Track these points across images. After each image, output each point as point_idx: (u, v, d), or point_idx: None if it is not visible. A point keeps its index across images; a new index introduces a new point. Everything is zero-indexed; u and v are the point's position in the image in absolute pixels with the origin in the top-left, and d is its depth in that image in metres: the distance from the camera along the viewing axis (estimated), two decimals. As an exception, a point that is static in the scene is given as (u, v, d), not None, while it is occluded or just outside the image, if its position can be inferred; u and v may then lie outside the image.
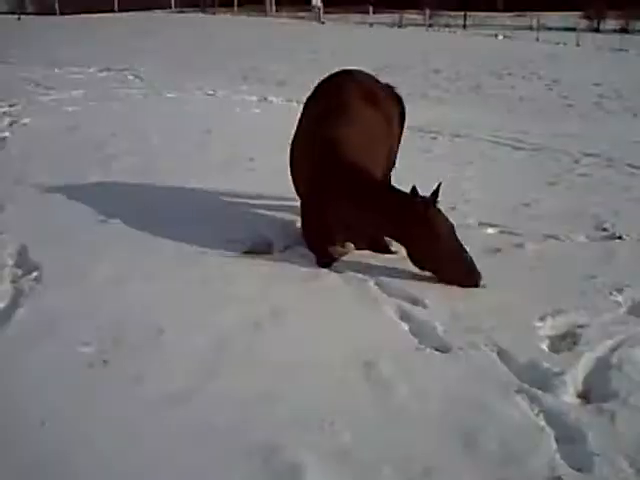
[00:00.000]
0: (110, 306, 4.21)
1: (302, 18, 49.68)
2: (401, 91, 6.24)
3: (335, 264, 4.93)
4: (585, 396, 3.43)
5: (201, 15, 53.09)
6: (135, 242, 5.30)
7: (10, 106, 12.29)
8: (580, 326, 4.05)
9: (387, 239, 5.16)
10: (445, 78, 20.04)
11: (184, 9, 58.85)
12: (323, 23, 45.87)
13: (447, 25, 50.02)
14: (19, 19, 48.87)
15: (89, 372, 3.50)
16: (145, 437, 3.00)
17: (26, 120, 10.87)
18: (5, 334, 3.88)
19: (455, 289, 4.54)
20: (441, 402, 3.28)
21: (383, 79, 6.26)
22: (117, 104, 12.72)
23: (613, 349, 3.76)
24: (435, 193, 4.68)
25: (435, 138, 10.26)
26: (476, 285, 4.56)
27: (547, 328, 4.05)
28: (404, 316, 4.14)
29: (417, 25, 48.18)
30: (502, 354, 3.71)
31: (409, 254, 4.76)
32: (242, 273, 4.71)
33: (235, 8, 56.33)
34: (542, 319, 4.11)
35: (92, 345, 3.73)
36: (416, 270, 4.76)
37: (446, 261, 4.62)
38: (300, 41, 31.39)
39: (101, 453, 2.90)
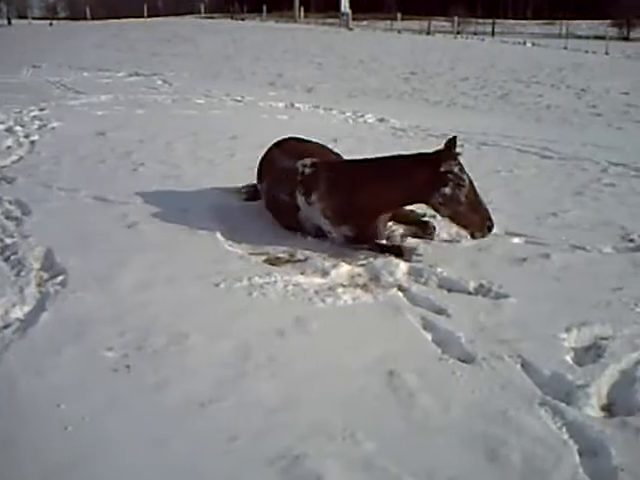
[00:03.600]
0: (134, 311, 4.23)
1: (330, 24, 49.77)
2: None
3: (359, 273, 4.94)
4: (609, 409, 3.39)
5: (230, 21, 53.30)
6: (160, 248, 5.33)
7: (40, 110, 12.47)
8: (605, 338, 4.01)
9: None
10: (473, 86, 19.99)
11: (213, 15, 59.21)
12: (351, 30, 45.90)
13: (475, 33, 49.98)
14: (51, 24, 49.54)
15: (113, 377, 3.52)
16: (169, 443, 3.01)
17: (55, 124, 11.01)
18: (30, 338, 3.91)
19: (480, 299, 4.53)
20: (464, 413, 3.26)
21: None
22: (145, 109, 12.85)
23: (638, 362, 3.71)
24: (449, 145, 5.09)
25: (462, 146, 10.20)
26: (490, 230, 5.21)
27: (572, 340, 4.01)
28: (427, 325, 4.12)
29: (445, 32, 48.09)
30: (526, 365, 3.68)
31: (440, 203, 5.12)
32: (265, 281, 4.71)
33: (264, 14, 56.58)
34: (567, 331, 4.07)
35: (116, 350, 3.75)
36: (441, 277, 4.78)
37: (472, 206, 5.13)
38: (328, 47, 31.45)
39: (125, 457, 2.92)
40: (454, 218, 5.19)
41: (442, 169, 5.05)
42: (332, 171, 5.58)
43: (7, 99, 13.50)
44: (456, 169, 5.07)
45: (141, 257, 5.11)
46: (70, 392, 3.37)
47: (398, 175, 5.21)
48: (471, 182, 5.13)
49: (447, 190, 5.04)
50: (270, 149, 6.47)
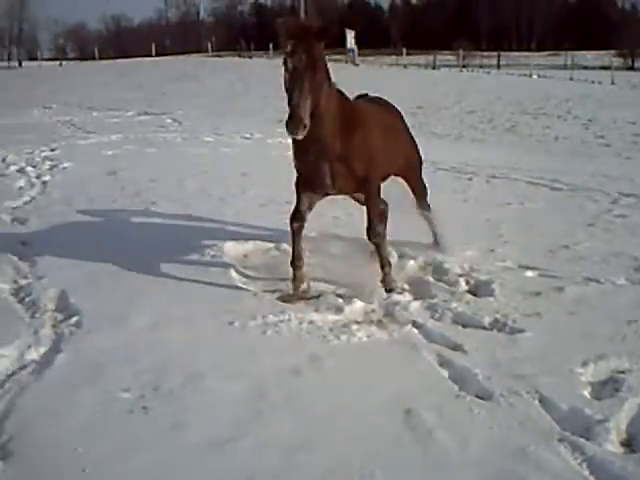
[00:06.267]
0: (150, 351, 4.23)
1: (336, 61, 50.08)
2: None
3: (373, 309, 4.93)
4: (629, 444, 3.36)
5: (237, 59, 53.71)
6: (174, 287, 5.34)
7: (51, 150, 12.57)
8: (622, 372, 3.99)
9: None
10: (480, 119, 20.07)
11: (220, 53, 59.68)
12: (357, 65, 46.19)
13: (481, 65, 50.22)
14: (60, 65, 50.13)
15: (129, 419, 3.51)
16: (187, 484, 3.00)
17: (66, 164, 11.10)
18: (46, 380, 3.91)
19: (495, 334, 4.52)
20: (483, 450, 3.24)
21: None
22: (155, 148, 12.94)
23: (657, 395, 3.70)
24: None
25: (471, 179, 10.27)
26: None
27: (589, 374, 3.99)
28: (444, 362, 4.11)
29: (451, 66, 48.31)
30: (544, 401, 3.66)
31: None
32: (278, 319, 4.71)
33: (271, 52, 57.01)
34: (583, 365, 4.05)
35: (132, 391, 3.74)
36: (456, 312, 4.77)
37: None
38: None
39: (143, 501, 2.91)
40: None
41: None
42: None
43: (19, 140, 13.63)
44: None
45: (155, 296, 5.11)
46: (87, 435, 3.36)
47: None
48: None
49: None
50: None
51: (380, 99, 6.39)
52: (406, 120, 6.50)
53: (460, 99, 25.41)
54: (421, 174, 6.44)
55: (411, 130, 6.46)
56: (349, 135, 5.07)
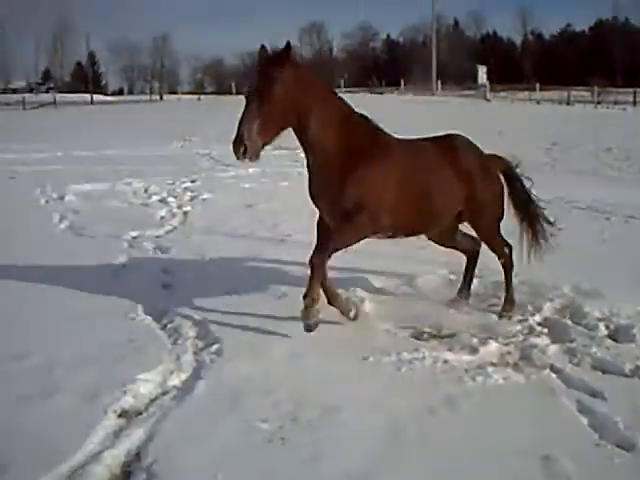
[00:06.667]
0: (288, 382, 4.32)
1: (468, 96, 49.73)
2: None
3: (509, 351, 4.88)
4: None
5: (369, 95, 54.13)
6: (310, 319, 5.43)
7: (191, 182, 13.07)
8: None
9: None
10: (616, 156, 19.47)
11: (352, 89, 60.25)
12: (489, 101, 45.75)
13: (616, 102, 48.57)
14: (199, 99, 52.02)
15: (268, 448, 3.60)
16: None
17: (206, 195, 11.52)
18: (188, 406, 4.06)
19: (636, 382, 4.38)
20: (625, 503, 3.16)
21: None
22: (289, 182, 13.21)
23: None
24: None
25: (609, 219, 9.98)
26: None
27: None
28: (583, 409, 4.02)
29: (585, 102, 47.06)
30: (689, 455, 3.53)
31: None
32: (413, 357, 4.72)
33: (402, 87, 57.24)
34: None
35: (271, 422, 3.83)
36: (595, 357, 4.66)
37: None
38: (465, 119, 31.46)
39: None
40: None
41: None
42: None
43: (160, 171, 14.25)
44: None
45: (292, 327, 5.18)
46: (227, 462, 3.47)
47: None
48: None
49: None
50: None
51: (448, 136, 6.00)
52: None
53: (595, 136, 24.72)
54: (494, 226, 5.86)
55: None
56: (353, 163, 5.21)
